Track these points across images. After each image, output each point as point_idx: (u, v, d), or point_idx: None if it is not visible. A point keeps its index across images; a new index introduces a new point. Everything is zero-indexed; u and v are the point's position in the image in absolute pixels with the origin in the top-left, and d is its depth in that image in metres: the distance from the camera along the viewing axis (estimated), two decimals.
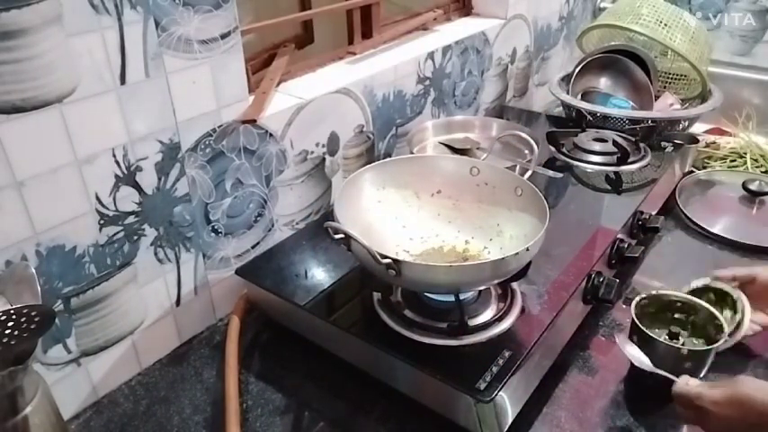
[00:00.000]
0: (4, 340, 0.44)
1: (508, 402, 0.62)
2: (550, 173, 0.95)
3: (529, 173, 0.91)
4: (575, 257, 0.78)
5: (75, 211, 0.62)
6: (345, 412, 0.67)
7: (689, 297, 0.72)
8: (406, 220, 0.78)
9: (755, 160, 1.16)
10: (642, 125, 1.12)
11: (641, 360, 0.65)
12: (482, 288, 0.71)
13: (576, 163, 1.05)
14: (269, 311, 0.80)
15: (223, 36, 0.70)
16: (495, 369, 0.61)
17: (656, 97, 1.26)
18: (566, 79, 1.32)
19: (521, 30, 1.35)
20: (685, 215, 1.01)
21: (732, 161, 1.18)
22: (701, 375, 0.66)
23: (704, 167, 1.16)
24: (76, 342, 0.66)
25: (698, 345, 0.69)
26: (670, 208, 1.03)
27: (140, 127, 0.65)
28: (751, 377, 0.58)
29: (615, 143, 1.05)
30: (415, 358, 0.63)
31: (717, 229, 0.96)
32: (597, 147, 1.07)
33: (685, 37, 1.18)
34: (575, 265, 0.76)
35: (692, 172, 1.13)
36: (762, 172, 1.14)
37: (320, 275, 0.78)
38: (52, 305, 0.62)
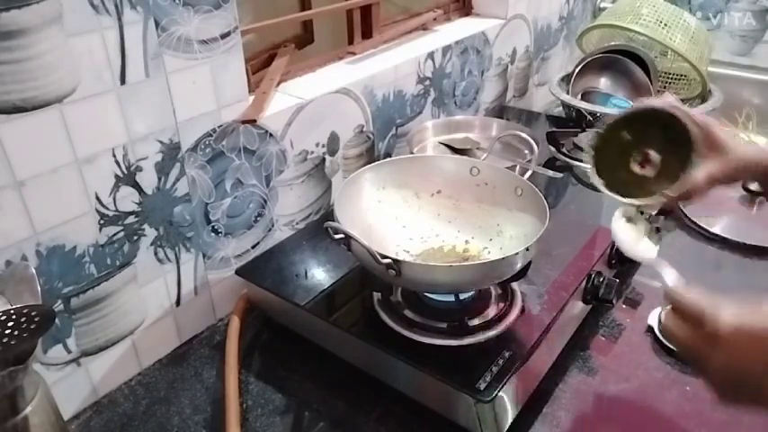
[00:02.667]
0: (4, 340, 0.44)
1: (508, 402, 0.62)
2: (550, 173, 0.95)
3: (529, 173, 0.91)
4: (575, 257, 0.78)
5: (75, 211, 0.62)
6: (345, 412, 0.67)
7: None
8: (406, 220, 0.78)
9: None
10: None
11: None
12: (482, 288, 0.71)
13: (576, 163, 1.05)
14: (269, 311, 0.80)
15: (223, 36, 0.70)
16: (495, 369, 0.61)
17: None
18: (566, 79, 1.32)
19: (521, 30, 1.35)
20: (685, 215, 1.01)
21: None
22: None
23: None
24: (76, 342, 0.66)
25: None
26: (670, 208, 1.03)
27: (140, 127, 0.65)
28: None
29: None
30: (415, 358, 0.63)
31: (717, 229, 0.96)
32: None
33: (685, 37, 1.18)
34: (575, 265, 0.76)
35: None
36: None
37: (320, 275, 0.78)
38: (52, 305, 0.62)
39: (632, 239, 0.63)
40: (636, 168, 0.65)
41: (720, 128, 0.62)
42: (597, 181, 0.65)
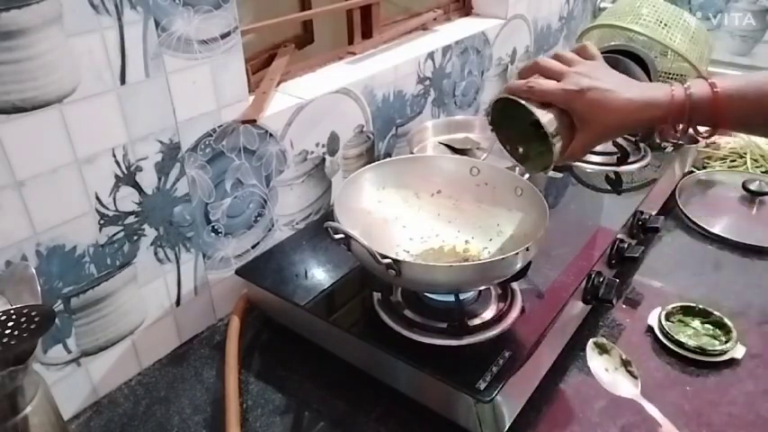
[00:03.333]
0: (4, 340, 0.44)
1: (508, 402, 0.62)
2: (550, 173, 0.95)
3: None
4: (575, 257, 0.78)
5: (75, 211, 0.62)
6: (345, 412, 0.67)
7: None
8: (406, 220, 0.78)
9: (755, 160, 1.16)
10: None
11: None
12: (482, 288, 0.71)
13: (575, 163, 1.05)
14: (269, 311, 0.80)
15: (223, 36, 0.70)
16: (495, 369, 0.61)
17: None
18: None
19: (521, 30, 1.35)
20: (685, 215, 1.01)
21: (732, 161, 1.18)
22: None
23: (704, 167, 1.16)
24: (76, 342, 0.66)
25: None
26: (670, 208, 1.03)
27: (140, 127, 0.65)
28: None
29: (615, 143, 1.05)
30: (415, 358, 0.63)
31: (717, 229, 0.96)
32: (597, 147, 1.07)
33: (685, 37, 1.18)
34: (575, 265, 0.76)
35: (692, 172, 1.13)
36: (762, 172, 1.14)
37: (320, 275, 0.78)
38: (52, 305, 0.62)
39: (610, 375, 0.67)
40: (520, 148, 0.70)
41: (597, 91, 0.61)
42: (504, 149, 0.70)
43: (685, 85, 0.61)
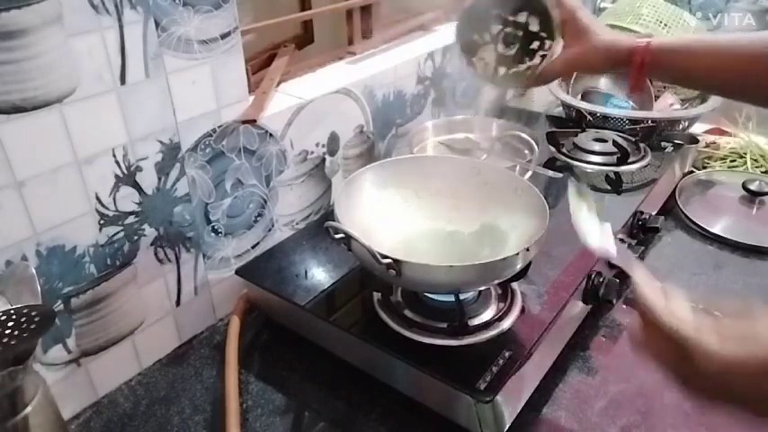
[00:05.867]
0: (4, 340, 0.44)
1: (508, 402, 0.62)
2: (550, 173, 0.95)
3: (529, 173, 0.91)
4: (575, 257, 0.78)
5: (76, 211, 0.62)
6: (345, 412, 0.67)
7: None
8: (407, 220, 0.78)
9: (755, 160, 1.16)
10: (642, 125, 1.12)
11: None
12: (482, 288, 0.71)
13: (576, 163, 1.05)
14: (269, 311, 0.80)
15: (223, 36, 0.70)
16: (495, 369, 0.61)
17: (656, 97, 1.26)
18: (566, 79, 1.32)
19: None
20: (685, 215, 1.01)
21: (732, 161, 1.17)
22: None
23: (704, 167, 1.16)
24: (76, 342, 0.66)
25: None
26: (670, 208, 1.03)
27: (140, 127, 0.65)
28: None
29: (615, 143, 1.05)
30: (415, 358, 0.63)
31: (717, 229, 0.96)
32: (597, 147, 1.07)
33: None
34: (575, 265, 0.76)
35: (692, 172, 1.13)
36: (762, 172, 1.14)
37: (320, 275, 0.78)
38: (52, 305, 0.62)
39: (593, 229, 0.59)
40: (500, 48, 0.68)
41: (586, 13, 0.64)
42: (464, 56, 0.69)
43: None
